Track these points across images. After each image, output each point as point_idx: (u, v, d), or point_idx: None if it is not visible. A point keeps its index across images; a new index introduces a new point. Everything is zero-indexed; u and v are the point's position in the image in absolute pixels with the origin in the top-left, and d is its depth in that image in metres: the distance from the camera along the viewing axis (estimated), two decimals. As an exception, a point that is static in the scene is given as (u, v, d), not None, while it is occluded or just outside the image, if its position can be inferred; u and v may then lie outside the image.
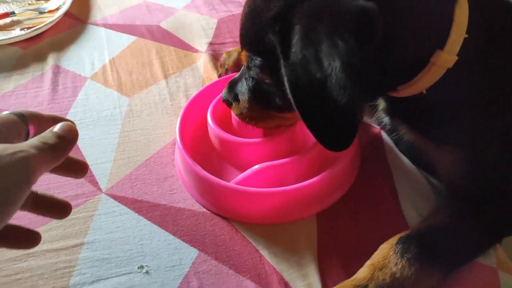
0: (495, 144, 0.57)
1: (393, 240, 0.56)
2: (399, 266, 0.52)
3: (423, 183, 0.68)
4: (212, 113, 0.72)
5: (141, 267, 0.60)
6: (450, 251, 0.55)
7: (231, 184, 0.63)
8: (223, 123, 0.72)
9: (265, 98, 0.62)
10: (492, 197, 0.59)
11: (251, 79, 0.63)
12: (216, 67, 0.92)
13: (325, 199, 0.65)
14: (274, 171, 0.64)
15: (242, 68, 0.67)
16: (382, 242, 0.57)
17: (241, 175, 0.65)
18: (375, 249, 0.57)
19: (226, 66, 0.88)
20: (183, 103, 0.84)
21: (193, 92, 0.86)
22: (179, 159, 0.70)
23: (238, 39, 1.00)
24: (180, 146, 0.68)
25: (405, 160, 0.71)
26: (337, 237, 0.62)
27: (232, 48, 0.94)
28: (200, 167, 0.64)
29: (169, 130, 0.80)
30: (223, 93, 0.69)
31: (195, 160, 0.66)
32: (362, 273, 0.54)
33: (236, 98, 0.67)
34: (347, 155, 0.65)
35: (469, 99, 0.56)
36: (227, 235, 0.63)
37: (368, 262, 0.55)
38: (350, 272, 0.56)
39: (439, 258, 0.54)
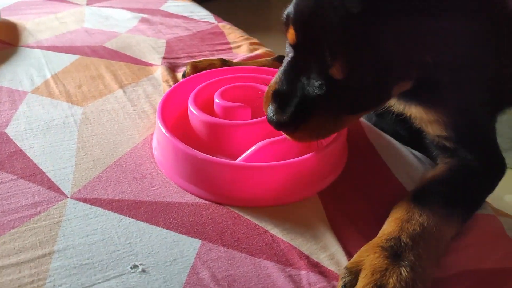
0: (477, 103, 0.61)
1: (407, 197, 0.56)
2: (425, 217, 0.52)
3: (407, 153, 0.69)
4: (194, 104, 0.67)
5: (135, 266, 0.50)
6: (460, 197, 0.57)
7: (237, 162, 0.58)
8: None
9: (343, 98, 0.52)
10: (478, 149, 0.62)
11: (321, 80, 0.51)
12: (175, 80, 0.87)
13: (324, 177, 0.62)
14: (277, 147, 0.60)
15: (286, 75, 0.54)
16: (391, 206, 0.56)
17: (245, 154, 0.60)
18: (387, 213, 0.56)
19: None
20: (147, 108, 0.78)
21: (156, 99, 0.80)
22: (166, 149, 0.62)
23: (192, 55, 1.00)
24: (167, 134, 0.61)
25: (385, 136, 0.73)
26: (345, 209, 0.59)
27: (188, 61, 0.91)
28: (197, 151, 0.58)
29: (137, 132, 0.72)
30: (272, 114, 0.53)
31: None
32: (389, 227, 0.52)
33: (299, 117, 0.53)
34: (342, 132, 0.64)
35: (459, 61, 0.56)
36: (230, 220, 0.56)
37: (390, 218, 0.54)
38: (369, 237, 0.53)
39: (454, 205, 0.55)
